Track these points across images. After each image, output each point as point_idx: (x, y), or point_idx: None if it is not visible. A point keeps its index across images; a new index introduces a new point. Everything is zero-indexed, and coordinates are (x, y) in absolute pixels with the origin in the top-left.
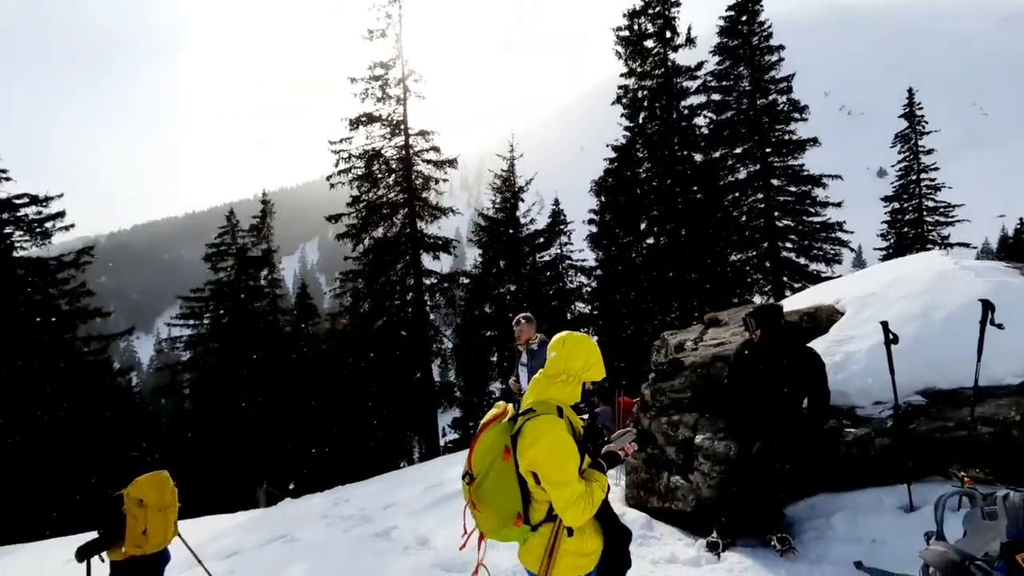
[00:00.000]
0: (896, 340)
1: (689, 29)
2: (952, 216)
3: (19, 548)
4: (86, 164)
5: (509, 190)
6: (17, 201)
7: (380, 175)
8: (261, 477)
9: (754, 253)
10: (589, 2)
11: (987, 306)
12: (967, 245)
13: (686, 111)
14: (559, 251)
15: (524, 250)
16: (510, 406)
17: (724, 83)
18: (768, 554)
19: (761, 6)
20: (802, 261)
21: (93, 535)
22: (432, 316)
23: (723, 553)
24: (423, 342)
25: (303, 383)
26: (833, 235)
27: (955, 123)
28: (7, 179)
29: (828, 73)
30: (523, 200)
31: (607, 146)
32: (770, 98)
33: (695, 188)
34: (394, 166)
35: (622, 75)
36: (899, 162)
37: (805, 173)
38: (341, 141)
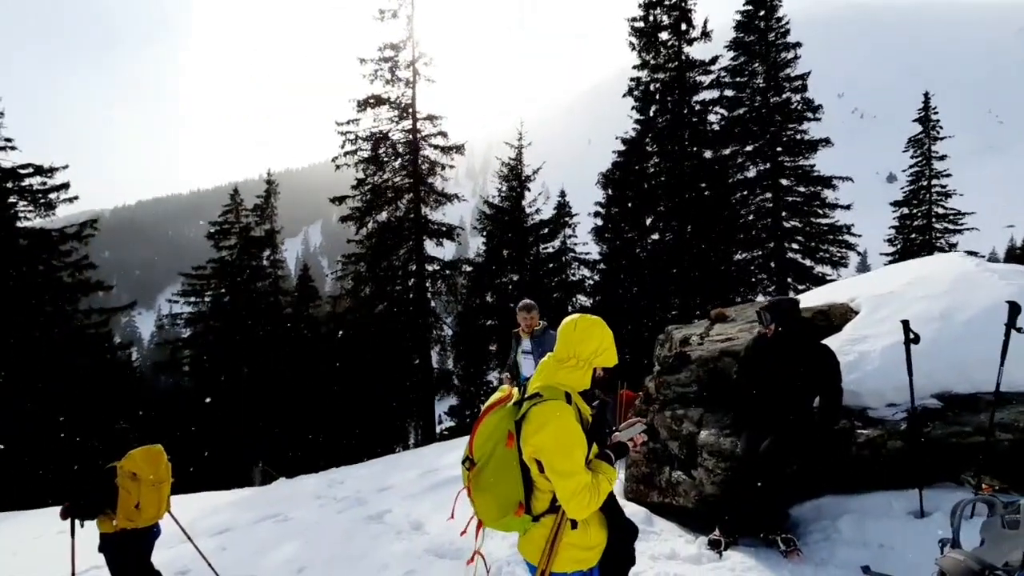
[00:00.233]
0: (917, 340)
1: (705, 22)
2: (961, 224)
3: (17, 515)
4: (92, 138)
5: (516, 179)
6: (22, 171)
7: (386, 158)
8: (257, 456)
9: (760, 253)
10: (589, 2)
11: (1015, 308)
12: (975, 254)
13: (698, 106)
14: (563, 243)
15: (528, 240)
16: (515, 390)
17: (738, 79)
18: (771, 555)
19: (780, 2)
20: (808, 263)
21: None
22: (433, 303)
23: (725, 551)
24: (423, 328)
25: (302, 364)
26: (841, 238)
27: (969, 130)
28: (12, 148)
29: (843, 74)
30: (529, 189)
31: (616, 138)
32: (784, 96)
33: (703, 185)
34: (401, 150)
35: (635, 67)
36: (911, 167)
37: (816, 174)
38: (348, 122)
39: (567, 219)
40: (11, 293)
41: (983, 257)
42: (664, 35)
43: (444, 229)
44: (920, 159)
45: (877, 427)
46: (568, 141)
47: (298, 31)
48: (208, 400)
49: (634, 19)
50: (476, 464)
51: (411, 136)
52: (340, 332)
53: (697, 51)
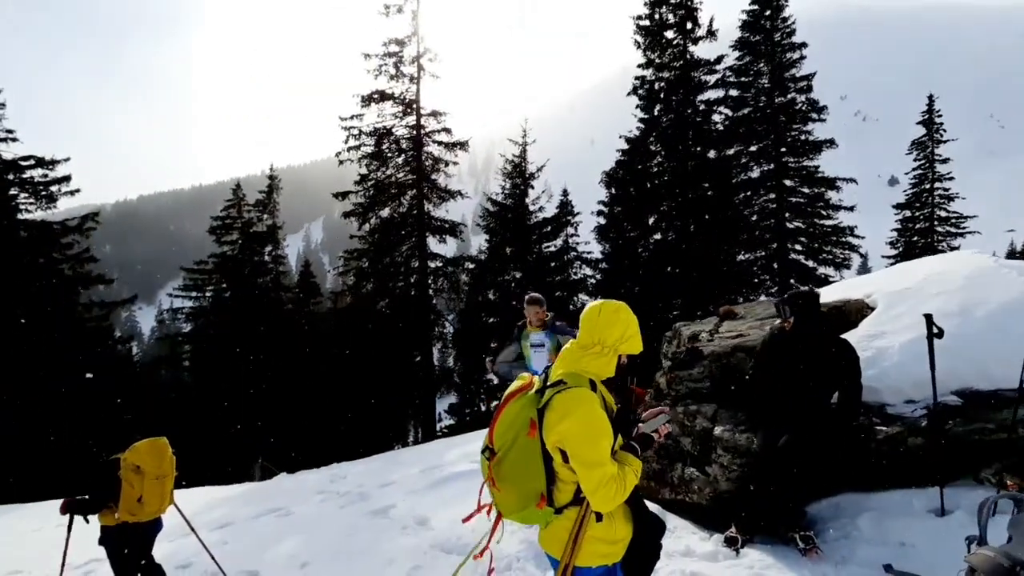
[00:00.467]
0: (941, 334)
1: (711, 21)
2: (963, 227)
3: (17, 507)
4: (92, 132)
5: (520, 176)
6: (23, 163)
7: (390, 154)
8: (256, 452)
9: (762, 253)
10: (589, 1)
11: None
12: None
13: (702, 106)
14: (565, 242)
15: (532, 238)
16: (536, 378)
17: (743, 79)
18: (789, 552)
19: (786, 1)
20: (810, 264)
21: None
22: (435, 300)
23: (742, 549)
24: (425, 325)
25: (302, 361)
26: (844, 239)
27: (970, 134)
28: (14, 140)
29: (846, 77)
30: (533, 187)
31: (620, 137)
32: (789, 96)
33: (707, 185)
34: (404, 146)
35: (639, 66)
36: (913, 170)
37: (820, 175)
38: (352, 117)
39: (569, 218)
40: (12, 285)
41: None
42: (669, 34)
43: (447, 225)
44: (923, 162)
45: (896, 424)
46: (570, 140)
47: (298, 30)
48: (224, 404)
49: (639, 17)
50: (496, 454)
51: (415, 132)
52: (341, 328)
53: (702, 50)
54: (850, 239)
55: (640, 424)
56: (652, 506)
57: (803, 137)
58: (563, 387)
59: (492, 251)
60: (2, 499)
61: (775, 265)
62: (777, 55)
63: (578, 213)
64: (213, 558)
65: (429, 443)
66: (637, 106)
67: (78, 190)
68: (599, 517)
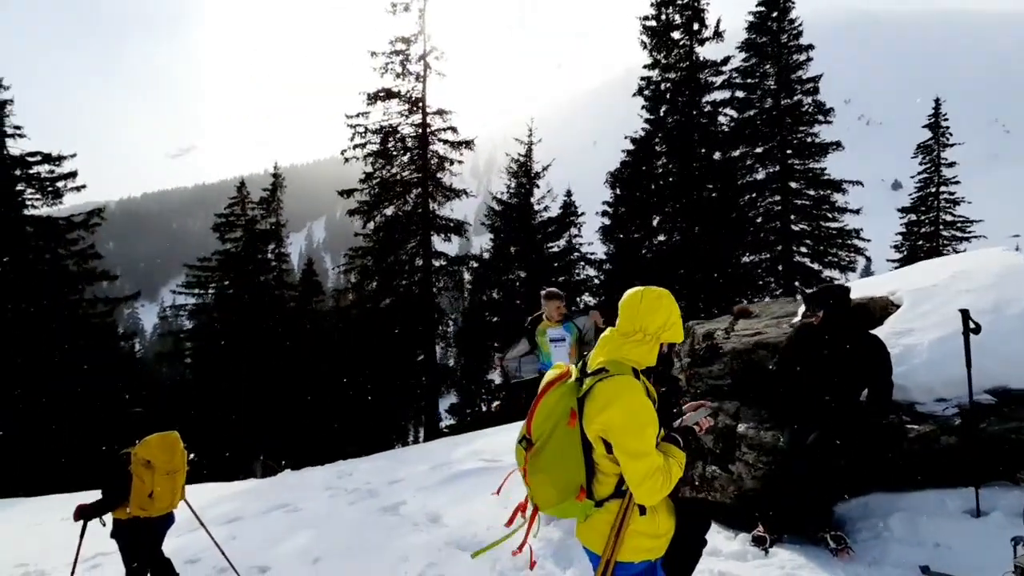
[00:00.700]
0: (978, 329)
1: (718, 22)
2: (969, 232)
3: (19, 502)
4: (96, 130)
5: (525, 175)
6: (30, 159)
7: (395, 152)
8: (257, 449)
9: (767, 256)
10: (589, 2)
11: None
12: None
13: (708, 107)
14: (568, 242)
15: (536, 237)
16: (573, 367)
17: (749, 80)
18: (820, 553)
19: (793, 3)
20: (815, 267)
21: (96, 494)
22: (439, 299)
23: (771, 549)
24: (429, 324)
25: (304, 359)
26: (849, 242)
27: (975, 138)
28: (21, 136)
29: (850, 81)
30: (539, 186)
31: (625, 138)
32: (795, 98)
33: (712, 186)
34: (410, 144)
35: (645, 66)
36: (919, 173)
37: (825, 177)
38: (358, 115)
39: (573, 218)
40: (18, 280)
41: None
42: (676, 35)
43: (452, 224)
44: (929, 166)
45: (928, 423)
46: (573, 141)
47: (300, 29)
48: (226, 401)
49: (646, 18)
50: (534, 444)
51: (421, 130)
52: (343, 327)
53: (709, 51)
54: (856, 242)
55: (683, 417)
56: None
57: (809, 139)
58: (605, 375)
59: (497, 250)
60: (5, 493)
61: (780, 267)
62: (784, 57)
63: (582, 213)
64: (223, 553)
65: (433, 441)
66: (643, 107)
67: (84, 186)
68: (642, 510)
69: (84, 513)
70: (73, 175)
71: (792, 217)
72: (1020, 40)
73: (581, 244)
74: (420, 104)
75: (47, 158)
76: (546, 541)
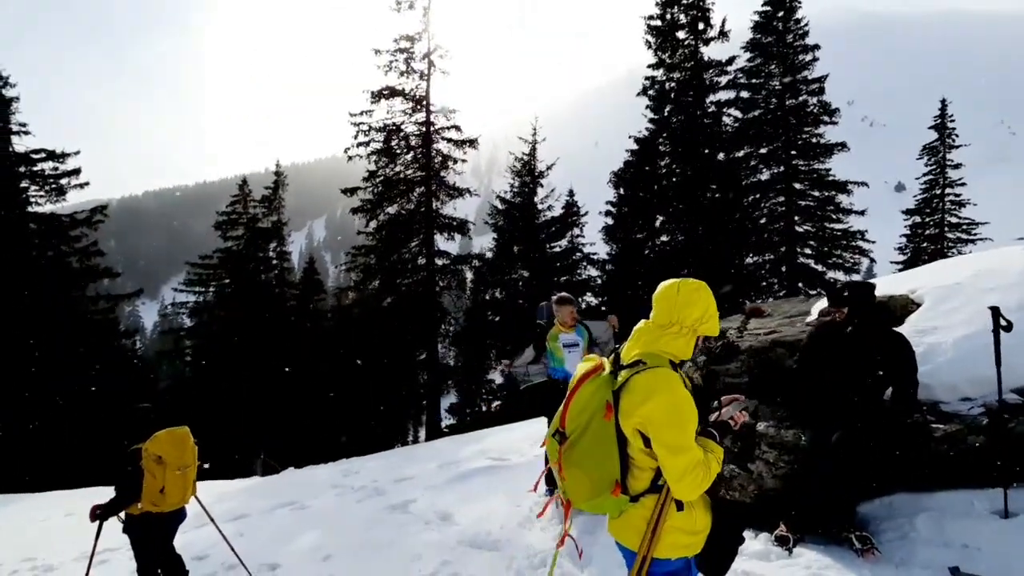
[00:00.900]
0: (1010, 327)
1: (723, 22)
2: (975, 234)
3: (22, 498)
4: (98, 128)
5: (529, 174)
6: (35, 156)
7: (399, 151)
8: (257, 447)
9: (771, 257)
10: (590, 1)
11: None
12: None
13: (713, 107)
14: (570, 242)
15: (540, 237)
16: (606, 360)
17: (754, 80)
18: (845, 553)
19: (799, 3)
20: (819, 268)
21: (98, 490)
22: (441, 298)
23: (794, 549)
24: (432, 323)
25: (305, 357)
26: (854, 243)
27: (980, 140)
28: (27, 133)
29: (853, 82)
30: (542, 186)
31: (629, 137)
32: (800, 99)
33: (715, 187)
34: (413, 142)
35: (650, 66)
36: (924, 175)
37: (831, 178)
38: (362, 113)
39: (575, 218)
40: (21, 277)
41: None
42: (681, 34)
43: (455, 223)
44: (934, 167)
45: (954, 422)
46: (574, 141)
47: (301, 29)
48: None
49: (651, 17)
50: (568, 438)
51: (424, 129)
52: (345, 325)
53: (714, 51)
54: (860, 243)
55: (720, 411)
56: None
57: (814, 140)
58: (642, 367)
59: (500, 249)
60: (7, 489)
61: (783, 268)
62: (789, 57)
63: (585, 213)
64: (233, 549)
65: (439, 440)
66: (647, 106)
67: (87, 183)
68: (680, 506)
69: (100, 513)
70: (77, 172)
71: (796, 218)
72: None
73: (583, 244)
74: (424, 102)
75: (51, 155)
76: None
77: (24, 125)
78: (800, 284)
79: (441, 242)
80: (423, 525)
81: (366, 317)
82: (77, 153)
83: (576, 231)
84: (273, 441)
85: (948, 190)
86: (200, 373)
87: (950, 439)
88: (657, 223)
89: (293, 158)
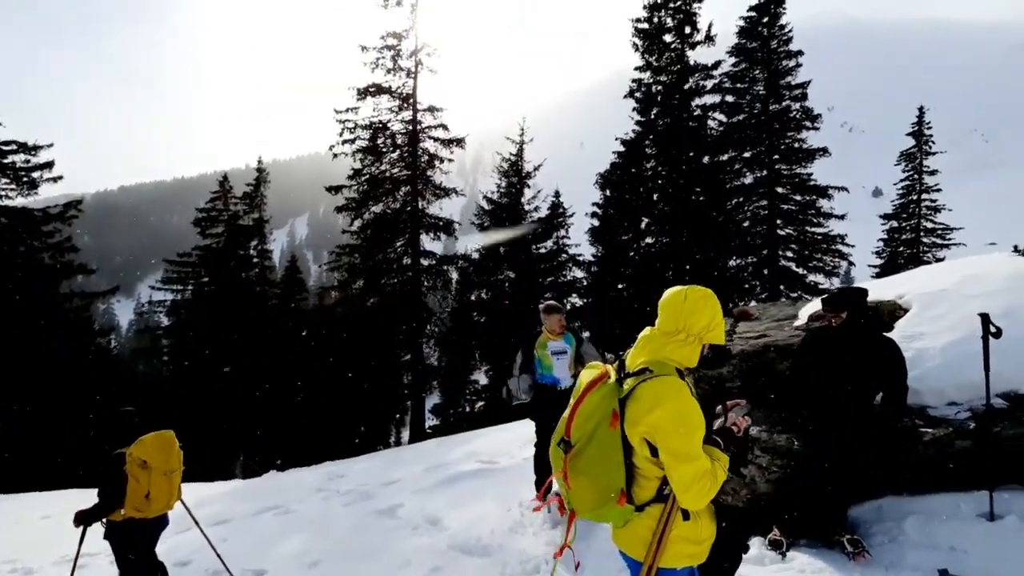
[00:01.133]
0: (999, 334)
1: (710, 26)
2: (949, 239)
3: (4, 499)
4: (71, 121)
5: (516, 175)
6: (5, 148)
7: (385, 149)
8: (237, 449)
9: (753, 259)
10: (590, 2)
11: None
12: None
13: (698, 110)
14: (555, 243)
15: (527, 238)
16: (611, 367)
17: (739, 85)
18: (836, 556)
19: (784, 9)
20: (801, 271)
21: (72, 492)
22: (426, 298)
23: (787, 553)
24: (417, 323)
25: (286, 357)
26: (834, 247)
27: (955, 147)
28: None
29: (834, 88)
30: (529, 186)
31: (616, 139)
32: (784, 104)
33: (700, 189)
34: (400, 141)
35: (637, 68)
36: (901, 180)
37: (812, 183)
38: (347, 111)
39: (561, 219)
40: None
41: None
42: (668, 38)
43: (441, 223)
44: (912, 173)
45: (942, 426)
46: (560, 142)
47: (284, 24)
48: (204, 400)
49: (638, 20)
50: (573, 447)
51: (411, 127)
52: (328, 325)
53: (700, 55)
54: (840, 247)
55: (725, 416)
56: None
57: (796, 145)
58: (649, 375)
59: (486, 250)
60: None
61: (766, 271)
62: (773, 62)
63: (572, 215)
64: (218, 555)
65: (426, 442)
66: (633, 108)
67: (60, 177)
68: (686, 515)
69: (84, 518)
70: (50, 165)
71: (779, 222)
72: (1000, 51)
73: (568, 245)
74: (411, 100)
75: (23, 147)
76: (555, 546)
77: None
78: (782, 287)
79: (427, 242)
80: (412, 530)
81: (350, 317)
82: (50, 146)
83: (562, 232)
84: (254, 443)
85: (924, 196)
86: (178, 373)
87: (938, 443)
88: (642, 225)
89: (276, 154)
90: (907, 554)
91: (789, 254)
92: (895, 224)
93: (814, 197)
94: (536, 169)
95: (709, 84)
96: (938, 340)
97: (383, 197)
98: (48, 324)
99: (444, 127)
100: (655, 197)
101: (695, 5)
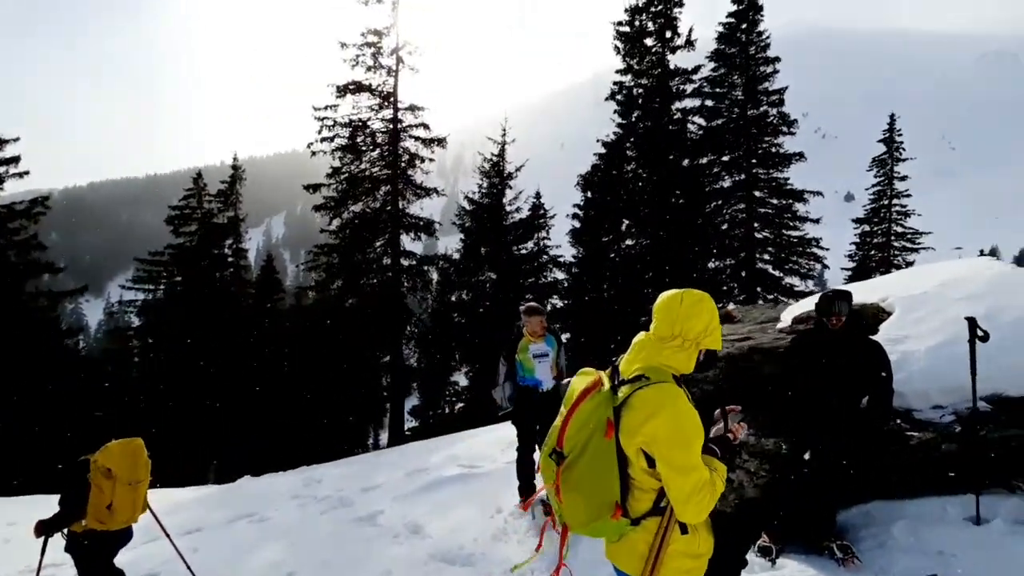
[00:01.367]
0: (986, 337)
1: (690, 31)
2: (919, 243)
3: None
4: (38, 116)
5: (498, 175)
6: None
7: (364, 147)
8: (212, 454)
9: (732, 262)
10: (583, 4)
11: None
12: None
13: (678, 114)
14: (536, 245)
15: (508, 238)
16: (603, 374)
17: (718, 90)
18: (826, 563)
19: (761, 16)
20: (777, 274)
21: (46, 499)
22: (406, 299)
23: (777, 560)
24: (397, 324)
25: (262, 359)
26: (809, 250)
27: (922, 154)
28: None
29: (807, 95)
30: (511, 187)
31: (597, 141)
32: (761, 109)
33: (680, 192)
34: (380, 140)
35: (618, 71)
36: (873, 186)
37: (788, 187)
38: (326, 108)
39: (542, 220)
40: None
41: None
42: (649, 41)
43: (422, 223)
44: (883, 179)
45: (928, 430)
46: (540, 143)
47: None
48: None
49: (620, 23)
50: (566, 458)
51: (391, 126)
52: (305, 326)
53: (680, 59)
54: (815, 250)
55: (724, 423)
56: None
57: (773, 149)
58: (645, 383)
59: (467, 250)
60: None
61: (743, 273)
62: (751, 68)
63: (553, 216)
64: (189, 567)
65: (407, 445)
66: (615, 111)
67: (27, 172)
68: (684, 529)
69: (44, 528)
70: (16, 160)
71: (756, 225)
72: (967, 60)
73: (549, 247)
74: (391, 99)
75: None
76: (539, 557)
77: None
78: (759, 289)
79: (407, 242)
80: (392, 539)
81: (328, 318)
82: (16, 140)
83: (543, 233)
84: (228, 447)
85: (895, 201)
86: (149, 375)
87: (925, 446)
88: (623, 227)
89: (252, 152)
90: (896, 559)
91: (766, 257)
92: (867, 228)
93: (790, 201)
94: (518, 170)
95: (689, 88)
96: (922, 343)
97: (363, 196)
98: (13, 324)
99: (425, 126)
100: (636, 199)
101: (676, 10)
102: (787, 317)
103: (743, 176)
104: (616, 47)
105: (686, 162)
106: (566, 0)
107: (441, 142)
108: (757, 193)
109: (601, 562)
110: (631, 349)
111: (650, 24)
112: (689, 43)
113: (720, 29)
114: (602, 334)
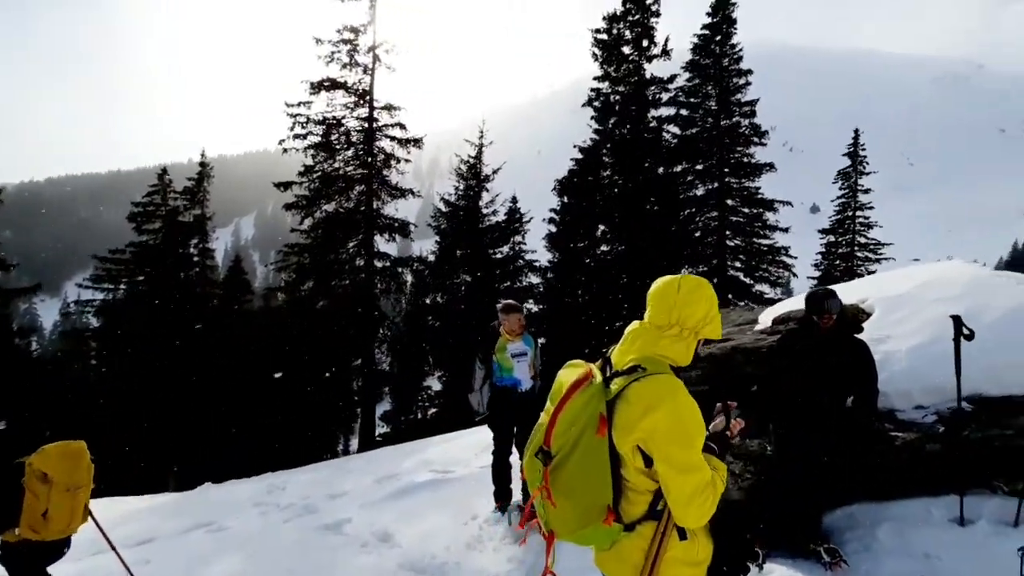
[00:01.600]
0: (971, 336)
1: (666, 41)
2: (880, 254)
3: None
4: None
5: (475, 177)
6: None
7: (339, 146)
8: (171, 460)
9: (704, 269)
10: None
11: None
12: None
13: (654, 122)
14: (512, 249)
15: (484, 241)
16: (594, 366)
17: (692, 100)
18: (813, 567)
19: (735, 29)
20: (748, 281)
21: None
22: (380, 301)
23: (764, 565)
24: (370, 327)
25: (228, 362)
26: (779, 259)
27: (882, 169)
28: None
29: (777, 109)
30: (488, 190)
31: (574, 146)
32: (734, 119)
33: (655, 199)
34: (355, 138)
35: (596, 78)
36: (838, 198)
37: (759, 196)
38: (299, 104)
39: (519, 224)
40: None
41: None
42: (626, 49)
43: (396, 224)
44: (847, 191)
45: (913, 430)
46: (517, 149)
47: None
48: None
49: (598, 31)
50: (554, 457)
51: (367, 124)
52: (274, 328)
53: (657, 68)
54: (785, 259)
55: (725, 420)
56: None
57: (745, 159)
58: (642, 374)
59: (442, 253)
60: None
61: (715, 280)
62: (725, 79)
63: (529, 220)
64: None
65: (377, 450)
66: (592, 117)
67: None
68: (682, 534)
69: None
70: None
71: (728, 233)
72: (926, 80)
73: (525, 251)
74: (367, 97)
75: None
76: (517, 562)
77: None
78: (730, 295)
79: (381, 243)
80: (360, 547)
81: (298, 320)
82: None
83: (519, 237)
84: (189, 453)
85: (858, 213)
86: (107, 377)
87: (910, 447)
88: (598, 232)
89: (222, 150)
90: (883, 562)
91: (738, 264)
92: (832, 239)
93: (761, 210)
94: (495, 172)
95: (665, 97)
96: (904, 343)
97: (336, 195)
98: None
99: (402, 126)
100: (611, 205)
101: (652, 20)
102: (766, 319)
103: (716, 184)
104: (594, 54)
105: (661, 170)
106: (557, 2)
107: (418, 143)
108: (729, 202)
109: (590, 568)
110: (624, 339)
111: (628, 33)
112: (665, 53)
113: (695, 40)
114: (577, 338)
